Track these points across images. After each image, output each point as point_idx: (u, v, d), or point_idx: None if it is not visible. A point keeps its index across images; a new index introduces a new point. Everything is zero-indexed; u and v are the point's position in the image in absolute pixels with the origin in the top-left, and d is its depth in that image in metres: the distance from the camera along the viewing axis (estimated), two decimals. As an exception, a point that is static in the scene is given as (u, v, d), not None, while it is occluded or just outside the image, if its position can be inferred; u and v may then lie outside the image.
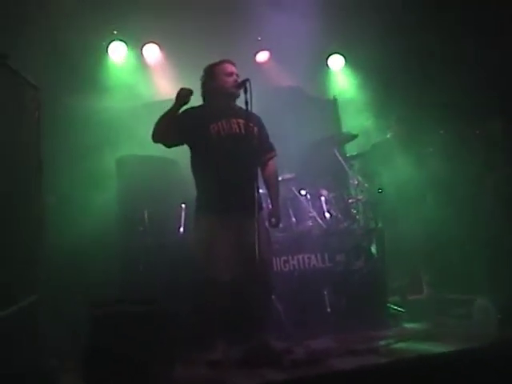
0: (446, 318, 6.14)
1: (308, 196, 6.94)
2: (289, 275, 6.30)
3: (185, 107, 5.16)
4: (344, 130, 9.00)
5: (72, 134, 7.16)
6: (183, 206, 6.65)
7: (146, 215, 6.72)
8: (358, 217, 6.99)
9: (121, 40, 8.46)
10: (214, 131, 5.13)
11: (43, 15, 6.90)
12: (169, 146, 5.30)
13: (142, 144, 6.90)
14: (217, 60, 5.45)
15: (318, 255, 6.44)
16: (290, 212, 6.74)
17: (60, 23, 7.08)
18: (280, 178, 5.91)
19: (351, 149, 8.20)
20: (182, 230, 6.63)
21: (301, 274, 6.32)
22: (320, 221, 6.76)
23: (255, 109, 4.93)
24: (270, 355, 4.72)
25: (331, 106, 9.53)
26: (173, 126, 5.09)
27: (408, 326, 6.08)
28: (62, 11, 7.00)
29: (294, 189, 6.94)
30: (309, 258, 6.40)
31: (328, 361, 4.59)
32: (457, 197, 6.77)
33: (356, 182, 7.19)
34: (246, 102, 4.85)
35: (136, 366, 4.01)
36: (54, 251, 5.68)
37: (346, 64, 9.55)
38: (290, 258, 6.36)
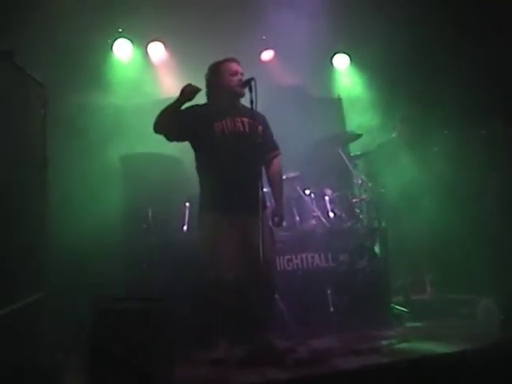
0: (449, 318, 6.14)
1: (312, 195, 6.94)
2: (292, 274, 6.31)
3: (190, 104, 5.17)
4: (348, 129, 9.01)
5: (77, 132, 7.15)
6: (187, 204, 6.65)
7: (149, 213, 6.72)
8: (361, 216, 7.00)
9: (126, 38, 8.46)
10: (218, 129, 5.12)
11: (49, 13, 6.89)
12: (170, 140, 5.28)
13: (146, 142, 6.93)
14: (222, 58, 5.44)
15: (322, 254, 6.45)
16: (294, 211, 6.74)
17: (66, 21, 7.07)
18: (284, 177, 5.91)
19: (355, 148, 8.20)
20: (185, 228, 6.62)
21: (304, 274, 6.33)
22: (324, 220, 6.76)
23: (260, 107, 4.91)
24: (273, 354, 4.72)
25: (336, 106, 9.53)
26: (177, 121, 5.09)
27: (411, 325, 6.08)
28: (68, 9, 7.01)
29: (298, 188, 6.94)
30: (312, 258, 6.40)
31: (331, 360, 4.59)
32: (460, 197, 6.77)
33: (360, 182, 7.19)
34: (251, 101, 4.84)
35: (137, 364, 4.01)
36: (57, 248, 5.68)
37: (350, 63, 9.54)
38: (294, 257, 6.37)
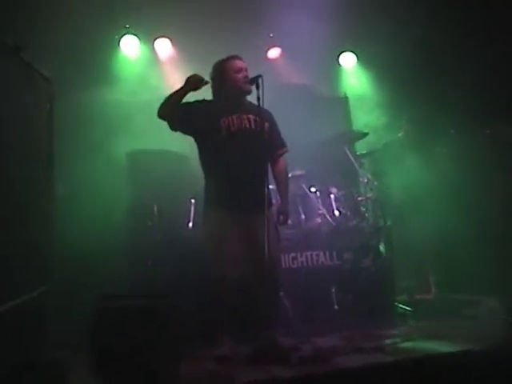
0: (453, 318, 6.13)
1: (318, 193, 6.95)
2: (297, 272, 6.31)
3: (197, 98, 5.18)
4: (355, 128, 9.00)
5: (83, 128, 7.16)
6: (193, 200, 6.66)
7: (155, 210, 6.72)
8: (367, 215, 7.01)
9: (133, 34, 8.46)
10: (224, 125, 5.12)
11: (56, 9, 6.90)
12: (173, 128, 5.21)
13: (153, 138, 6.96)
14: (227, 56, 5.45)
15: (327, 252, 6.46)
16: (300, 209, 6.75)
17: (73, 16, 7.08)
18: (290, 175, 5.91)
19: (361, 147, 8.20)
20: (191, 224, 6.64)
21: (309, 271, 6.34)
22: (329, 218, 6.77)
23: (266, 105, 4.90)
24: (277, 352, 4.72)
25: (342, 104, 9.53)
26: (182, 112, 5.08)
27: (415, 325, 6.07)
28: (76, 5, 7.02)
29: (303, 186, 6.95)
30: (317, 256, 6.41)
31: (335, 358, 4.59)
32: (465, 197, 6.76)
33: (366, 180, 7.20)
34: (258, 98, 4.84)
35: (142, 361, 4.02)
36: (62, 245, 5.69)
37: (357, 62, 9.53)
38: (299, 254, 6.37)
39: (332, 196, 6.97)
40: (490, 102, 7.25)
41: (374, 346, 4.95)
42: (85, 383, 4.30)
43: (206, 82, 5.07)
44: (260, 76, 4.87)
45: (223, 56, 5.43)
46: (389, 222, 7.00)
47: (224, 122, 5.12)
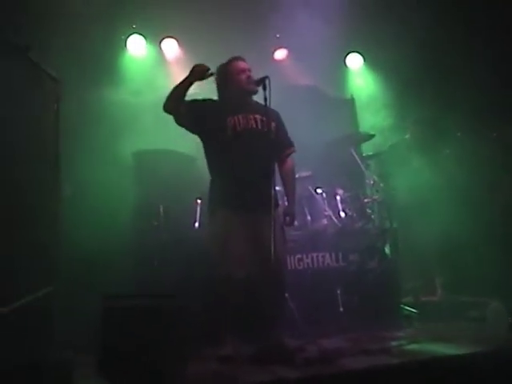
0: (459, 321, 6.12)
1: (324, 195, 6.95)
2: (302, 273, 6.32)
3: (204, 97, 5.19)
4: (361, 129, 8.99)
5: (89, 128, 7.16)
6: (199, 201, 6.67)
7: (161, 210, 6.73)
8: (372, 217, 6.99)
9: (140, 34, 8.47)
10: (230, 125, 5.12)
11: (63, 9, 6.91)
12: (178, 123, 5.20)
13: (159, 138, 6.96)
14: (231, 57, 5.46)
15: (333, 254, 6.46)
16: (306, 210, 6.76)
17: (80, 17, 7.09)
18: (296, 176, 5.89)
19: (368, 148, 8.19)
20: (197, 225, 6.65)
21: (314, 273, 6.34)
22: (335, 220, 6.77)
23: (272, 106, 4.91)
24: (282, 353, 4.72)
25: (348, 105, 9.52)
26: (190, 110, 5.09)
27: (421, 327, 6.06)
28: (83, 5, 7.03)
29: (310, 187, 6.95)
30: (323, 257, 6.41)
31: (340, 360, 4.59)
32: (472, 199, 6.75)
33: (372, 182, 7.19)
34: (265, 99, 4.84)
35: (148, 361, 4.03)
36: (69, 245, 5.70)
37: (364, 63, 9.52)
38: (305, 256, 6.38)
39: (338, 197, 6.97)
40: (497, 104, 7.24)
41: (379, 347, 4.95)
42: (90, 383, 4.30)
43: (211, 74, 5.06)
44: (267, 77, 4.87)
45: (229, 56, 5.45)
46: (395, 224, 6.98)
47: (230, 122, 5.13)
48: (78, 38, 7.23)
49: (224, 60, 5.47)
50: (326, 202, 6.89)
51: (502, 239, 6.48)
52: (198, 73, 4.99)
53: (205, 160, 5.38)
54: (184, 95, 5.04)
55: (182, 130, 5.24)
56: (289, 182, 5.49)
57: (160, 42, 8.69)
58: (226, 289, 4.95)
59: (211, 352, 4.95)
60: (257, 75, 5.19)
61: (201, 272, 5.62)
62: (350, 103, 9.55)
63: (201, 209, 6.65)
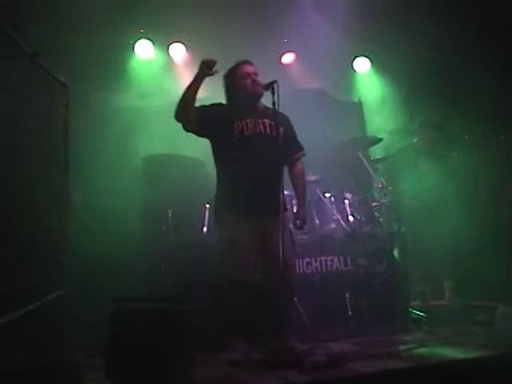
0: (468, 325, 6.10)
1: (332, 198, 6.97)
2: (311, 277, 6.32)
3: (213, 101, 5.20)
4: (369, 133, 8.99)
5: (98, 132, 7.18)
6: (207, 205, 6.69)
7: (169, 214, 6.74)
8: (381, 220, 6.99)
9: (148, 39, 8.49)
10: (238, 129, 5.14)
11: (72, 14, 6.93)
12: (187, 129, 5.24)
13: (167, 143, 6.97)
14: (238, 61, 5.47)
15: (341, 258, 6.46)
16: (314, 214, 6.78)
17: (88, 22, 7.11)
18: (305, 179, 5.92)
19: (376, 152, 8.19)
20: (205, 229, 6.66)
21: (323, 277, 6.34)
22: (343, 224, 6.78)
23: (280, 110, 4.95)
24: (291, 357, 4.70)
25: (356, 109, 9.52)
26: (199, 114, 5.11)
27: (429, 331, 6.03)
28: (91, 10, 7.05)
29: (318, 191, 6.96)
30: (331, 261, 6.41)
31: (349, 364, 4.58)
32: (480, 203, 6.75)
33: (380, 186, 7.18)
34: (274, 104, 4.86)
35: (156, 364, 4.03)
36: (77, 249, 5.70)
37: (371, 67, 9.51)
38: (313, 260, 6.38)
39: (346, 201, 6.98)
40: (505, 107, 7.24)
41: (388, 351, 4.92)
42: (99, 387, 4.32)
43: (216, 71, 5.07)
44: (275, 81, 4.89)
45: (237, 61, 5.46)
46: (403, 228, 6.97)
47: (238, 126, 5.14)
48: (86, 43, 7.24)
49: (231, 64, 5.49)
50: (334, 205, 6.91)
51: (511, 243, 6.48)
52: (206, 67, 5.00)
53: (213, 163, 5.39)
54: (194, 99, 5.07)
55: (191, 134, 5.26)
56: (299, 186, 5.50)
57: (168, 47, 8.70)
58: (235, 293, 4.96)
59: (220, 356, 4.96)
60: (264, 79, 5.21)
61: (209, 276, 5.62)
62: (358, 107, 9.55)
63: (209, 213, 6.67)
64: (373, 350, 5.03)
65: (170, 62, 8.75)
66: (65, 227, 4.92)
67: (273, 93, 4.87)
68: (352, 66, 9.53)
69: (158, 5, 7.71)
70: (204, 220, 6.71)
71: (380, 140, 7.68)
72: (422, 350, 5.06)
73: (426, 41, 8.06)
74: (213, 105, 5.28)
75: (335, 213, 6.84)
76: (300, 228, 5.39)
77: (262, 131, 5.20)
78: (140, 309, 4.29)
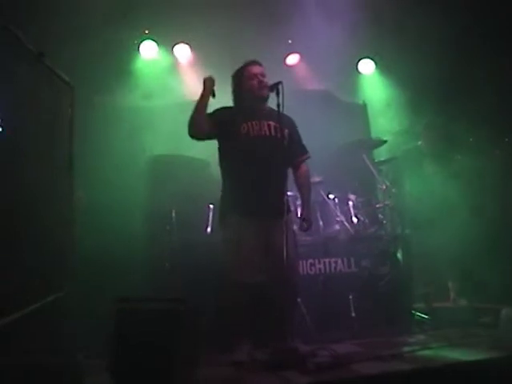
0: (472, 327, 6.09)
1: (336, 200, 6.97)
2: (315, 279, 6.32)
3: (218, 106, 5.21)
4: (373, 134, 8.99)
5: (103, 132, 7.19)
6: (211, 206, 6.68)
7: (173, 214, 6.74)
8: (385, 222, 6.98)
9: (152, 39, 8.49)
10: (243, 131, 5.14)
11: (75, 15, 6.94)
12: (202, 139, 5.27)
13: (172, 143, 6.98)
14: (246, 61, 5.47)
15: (345, 260, 6.47)
16: (318, 215, 6.78)
17: (92, 22, 7.12)
18: (309, 181, 5.92)
19: (380, 154, 8.19)
20: (209, 230, 6.66)
21: (326, 278, 6.34)
22: (347, 225, 6.77)
23: (284, 111, 4.95)
24: (294, 358, 4.69)
25: (361, 111, 9.51)
26: (206, 119, 5.11)
27: (433, 333, 6.02)
28: (96, 11, 7.05)
29: (322, 192, 6.96)
30: (335, 262, 6.41)
31: (352, 365, 4.57)
32: (485, 205, 6.74)
33: (384, 187, 7.17)
34: (278, 105, 4.86)
35: (159, 364, 4.03)
36: (81, 249, 5.71)
37: (376, 69, 9.50)
38: (317, 261, 6.38)
39: (350, 203, 6.98)
40: (510, 110, 7.23)
41: (391, 353, 4.92)
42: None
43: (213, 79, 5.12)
44: (280, 82, 4.90)
45: (241, 61, 5.47)
46: (407, 230, 6.97)
47: (244, 128, 5.15)
48: (91, 44, 7.25)
49: (236, 65, 5.50)
50: (338, 207, 6.91)
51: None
52: (209, 85, 5.03)
53: (217, 163, 5.40)
54: (204, 114, 5.08)
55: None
56: (304, 188, 5.50)
57: (173, 47, 8.70)
58: (239, 294, 4.97)
59: (224, 357, 4.96)
60: (269, 80, 5.21)
61: (213, 277, 5.61)
62: (362, 109, 9.54)
63: (213, 214, 6.66)
64: (376, 351, 5.03)
65: (174, 63, 8.75)
66: (68, 227, 4.93)
67: (277, 94, 4.88)
68: (357, 67, 9.52)
69: (162, 5, 7.71)
70: (208, 221, 6.70)
71: (384, 142, 7.68)
72: (426, 352, 5.06)
73: (430, 43, 8.06)
74: (219, 110, 5.27)
75: (339, 214, 6.84)
76: (306, 230, 5.39)
77: (267, 133, 5.21)
78: (144, 309, 4.29)
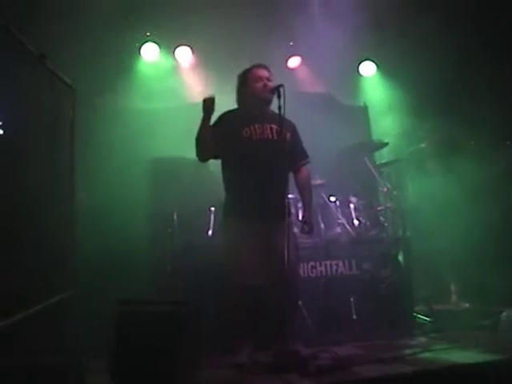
0: (473, 329, 6.10)
1: (337, 202, 6.95)
2: (316, 281, 6.31)
3: (219, 114, 5.21)
4: (374, 137, 8.97)
5: (104, 134, 7.18)
6: (212, 208, 6.68)
7: (175, 217, 6.74)
8: (386, 225, 6.98)
9: (154, 42, 8.49)
10: (246, 135, 5.15)
11: (76, 17, 6.95)
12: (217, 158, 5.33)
13: (173, 146, 6.97)
14: (249, 64, 5.48)
15: (346, 262, 6.47)
16: (319, 218, 6.77)
17: (93, 24, 7.12)
18: (310, 184, 5.92)
19: (382, 155, 8.18)
20: (210, 232, 6.65)
21: (328, 281, 6.33)
22: (348, 228, 6.76)
23: (286, 114, 4.94)
24: (295, 360, 4.70)
25: (362, 113, 9.49)
26: (211, 142, 5.11)
27: (434, 335, 6.03)
28: (96, 12, 7.06)
29: (323, 195, 6.95)
30: (336, 265, 6.41)
31: (353, 368, 4.59)
32: (487, 208, 6.74)
33: (385, 190, 7.17)
34: (280, 108, 4.86)
35: (160, 366, 4.04)
36: (82, 250, 5.71)
37: (377, 71, 9.49)
38: (318, 264, 6.38)
39: (351, 205, 6.96)
40: (511, 114, 7.25)
41: (392, 355, 4.93)
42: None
43: (213, 96, 5.08)
44: (281, 85, 4.90)
45: (244, 65, 5.48)
46: (408, 232, 6.97)
47: (246, 132, 5.16)
48: (92, 46, 7.25)
49: (237, 67, 5.51)
50: (339, 210, 6.90)
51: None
52: (208, 106, 5.01)
53: (218, 165, 5.40)
54: (209, 138, 5.08)
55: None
56: (305, 191, 5.50)
57: (174, 50, 8.69)
58: (240, 296, 4.99)
59: (225, 360, 4.97)
60: (272, 82, 5.23)
61: (214, 279, 5.61)
62: (364, 111, 9.52)
63: (215, 217, 6.66)
64: (378, 354, 5.05)
65: (176, 65, 8.74)
66: (70, 229, 4.94)
67: (279, 97, 4.88)
68: (358, 69, 9.51)
69: (163, 8, 7.71)
70: (209, 223, 6.70)
71: (386, 144, 7.68)
72: (427, 355, 5.07)
73: (432, 46, 8.06)
74: (221, 118, 5.26)
75: (340, 217, 6.83)
76: (308, 233, 5.39)
77: (270, 136, 5.21)
78: (145, 311, 4.30)
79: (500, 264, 6.42)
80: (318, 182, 6.89)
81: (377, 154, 8.34)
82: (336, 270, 6.41)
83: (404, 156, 7.71)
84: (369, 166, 7.46)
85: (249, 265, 4.93)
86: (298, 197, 5.80)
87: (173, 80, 8.52)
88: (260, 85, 5.27)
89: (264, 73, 5.35)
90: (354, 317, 6.12)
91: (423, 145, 7.62)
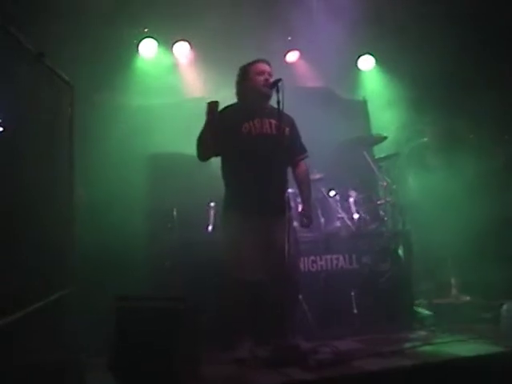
0: (473, 322, 6.10)
1: (337, 197, 6.96)
2: (316, 275, 6.31)
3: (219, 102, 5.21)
4: (373, 131, 8.96)
5: (103, 131, 7.17)
6: (212, 204, 6.68)
7: (175, 213, 6.75)
8: (386, 219, 6.97)
9: (152, 38, 8.46)
10: (245, 130, 5.15)
11: (73, 14, 6.93)
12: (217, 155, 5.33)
13: (173, 141, 6.97)
14: (247, 59, 5.47)
15: (346, 256, 6.47)
16: (319, 212, 6.77)
17: (91, 21, 7.11)
18: (309, 178, 5.92)
19: (382, 148, 8.17)
20: (210, 228, 6.66)
21: (328, 275, 6.33)
22: (348, 222, 6.77)
23: (285, 109, 4.94)
24: (296, 355, 4.71)
25: (361, 107, 9.47)
26: (213, 143, 5.13)
27: (434, 329, 6.03)
28: (94, 9, 7.04)
29: (322, 189, 6.96)
30: (336, 259, 6.41)
31: (354, 362, 4.60)
32: (486, 201, 6.74)
33: (385, 184, 7.17)
34: (278, 102, 4.86)
35: (158, 362, 4.04)
36: (82, 247, 5.71)
37: (376, 65, 9.48)
38: (318, 258, 6.37)
39: (351, 200, 6.96)
40: (510, 107, 7.24)
41: (393, 349, 4.95)
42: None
43: (217, 101, 5.09)
44: (280, 80, 4.90)
45: (242, 60, 5.47)
46: (408, 226, 6.97)
47: (246, 128, 5.17)
48: (90, 43, 7.24)
49: (236, 62, 5.50)
50: (339, 204, 6.90)
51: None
52: (212, 111, 5.02)
53: (218, 163, 5.40)
54: (212, 140, 5.08)
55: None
56: (303, 185, 5.52)
57: (172, 46, 8.66)
58: (240, 292, 4.99)
59: (226, 355, 4.98)
60: (271, 78, 5.23)
61: (213, 275, 5.61)
62: (363, 105, 9.50)
63: (214, 212, 6.66)
64: (378, 347, 5.06)
65: (174, 61, 8.72)
66: (69, 225, 4.94)
67: (277, 91, 4.88)
68: (356, 64, 9.49)
69: (161, 3, 7.69)
70: (209, 219, 6.71)
71: (385, 138, 7.67)
72: (427, 348, 5.08)
73: (431, 39, 8.05)
74: (221, 115, 5.23)
75: (340, 211, 6.83)
76: (307, 226, 5.40)
77: (269, 131, 5.22)
78: (143, 307, 4.31)
79: (500, 257, 6.42)
80: (317, 176, 6.90)
81: (376, 148, 8.33)
82: (336, 265, 6.41)
83: (403, 150, 7.70)
84: (368, 160, 7.46)
85: (248, 260, 4.94)
86: (298, 191, 5.80)
87: (171, 76, 8.49)
88: (261, 78, 5.27)
89: (266, 67, 5.35)
90: (355, 311, 6.12)
91: (423, 139, 7.60)
